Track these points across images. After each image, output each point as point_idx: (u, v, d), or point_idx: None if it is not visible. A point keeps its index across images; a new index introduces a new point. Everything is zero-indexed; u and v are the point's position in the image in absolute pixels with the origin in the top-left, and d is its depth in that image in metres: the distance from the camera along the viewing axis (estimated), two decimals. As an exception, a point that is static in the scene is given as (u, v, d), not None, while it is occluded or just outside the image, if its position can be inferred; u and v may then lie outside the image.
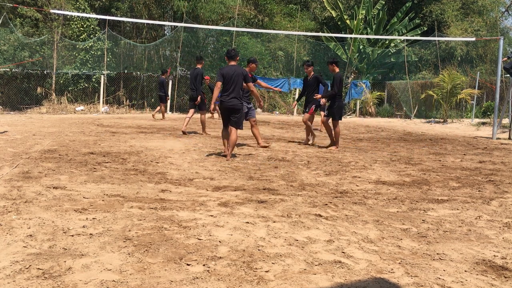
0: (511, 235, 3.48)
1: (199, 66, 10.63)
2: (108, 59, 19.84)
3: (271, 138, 10.32)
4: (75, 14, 18.42)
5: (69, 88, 19.66)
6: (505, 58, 11.44)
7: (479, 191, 5.11)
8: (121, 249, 2.93)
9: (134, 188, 4.76)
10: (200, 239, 3.15)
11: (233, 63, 7.13)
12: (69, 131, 10.59)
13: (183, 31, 21.07)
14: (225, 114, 7.18)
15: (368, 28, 24.12)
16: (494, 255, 3.03)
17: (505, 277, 2.67)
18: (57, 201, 4.10)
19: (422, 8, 24.26)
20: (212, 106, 7.32)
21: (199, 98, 10.41)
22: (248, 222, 3.59)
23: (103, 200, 4.17)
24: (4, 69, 18.38)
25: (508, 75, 12.92)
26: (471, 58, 23.55)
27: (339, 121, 8.62)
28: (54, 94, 19.18)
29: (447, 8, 23.77)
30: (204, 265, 2.70)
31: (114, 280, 2.45)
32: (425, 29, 23.55)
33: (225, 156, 7.10)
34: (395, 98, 22.80)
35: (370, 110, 22.19)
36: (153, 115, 16.51)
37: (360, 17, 23.49)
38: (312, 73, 9.40)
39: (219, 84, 6.97)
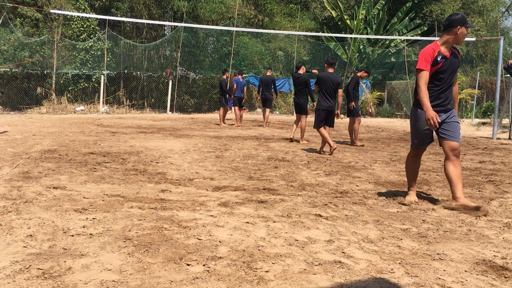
0: (511, 235, 3.48)
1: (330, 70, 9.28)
2: (108, 59, 19.83)
3: (271, 138, 10.32)
4: (75, 14, 18.41)
5: (69, 88, 19.64)
6: (511, 61, 11.35)
7: (479, 191, 5.10)
8: (121, 249, 2.93)
9: (134, 188, 4.76)
10: (200, 239, 3.15)
11: (330, 70, 8.19)
12: (69, 131, 10.58)
13: (183, 31, 21.06)
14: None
15: (368, 28, 24.11)
16: (494, 255, 3.02)
17: (505, 277, 2.67)
18: (57, 201, 4.10)
19: (422, 8, 24.25)
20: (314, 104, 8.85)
21: (351, 104, 9.52)
22: (248, 222, 3.59)
23: (103, 200, 4.17)
24: (4, 69, 18.37)
25: (508, 75, 12.91)
26: (471, 58, 23.54)
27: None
28: (54, 94, 19.17)
29: (447, 8, 23.77)
30: (204, 265, 2.70)
31: (114, 280, 2.45)
32: (426, 29, 23.54)
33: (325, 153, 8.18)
34: (395, 98, 22.78)
35: (370, 110, 22.17)
36: (236, 124, 13.93)
37: (360, 17, 23.48)
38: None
39: (315, 86, 8.32)
